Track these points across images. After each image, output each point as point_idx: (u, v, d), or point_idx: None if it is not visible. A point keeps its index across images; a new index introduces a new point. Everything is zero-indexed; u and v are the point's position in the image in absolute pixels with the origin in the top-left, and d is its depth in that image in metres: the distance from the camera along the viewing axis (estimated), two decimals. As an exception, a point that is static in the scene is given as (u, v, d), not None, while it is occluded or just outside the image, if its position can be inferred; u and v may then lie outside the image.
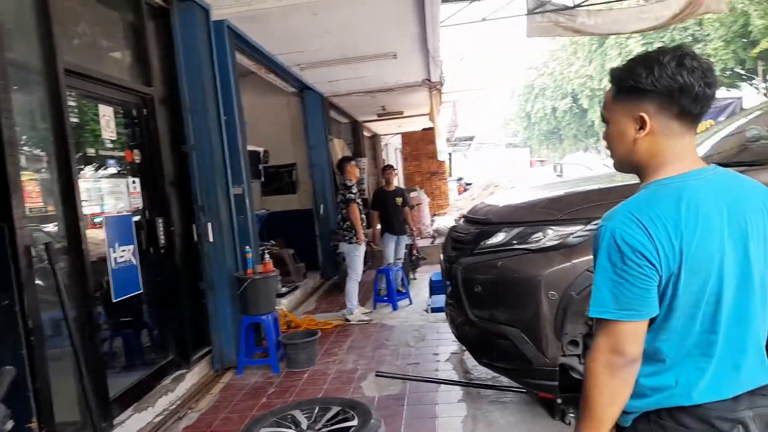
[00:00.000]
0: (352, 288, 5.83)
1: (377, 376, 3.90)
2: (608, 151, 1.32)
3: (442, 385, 3.83)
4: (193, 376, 4.25)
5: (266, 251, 4.92)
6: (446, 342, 4.85)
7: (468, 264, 2.91)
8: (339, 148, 9.49)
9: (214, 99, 4.74)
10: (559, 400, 3.15)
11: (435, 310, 5.91)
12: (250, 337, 4.65)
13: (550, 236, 2.65)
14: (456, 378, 4.01)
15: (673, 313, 1.15)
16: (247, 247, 4.75)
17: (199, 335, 4.54)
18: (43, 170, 3.21)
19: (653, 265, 1.12)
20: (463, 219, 3.48)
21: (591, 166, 21.14)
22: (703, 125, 9.13)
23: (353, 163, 6.11)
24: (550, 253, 2.61)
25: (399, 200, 6.77)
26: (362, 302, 6.15)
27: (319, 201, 8.40)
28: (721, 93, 28.16)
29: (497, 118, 59.53)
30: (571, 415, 3.12)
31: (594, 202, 2.72)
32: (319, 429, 2.98)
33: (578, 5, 9.62)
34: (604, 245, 1.15)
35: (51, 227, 3.24)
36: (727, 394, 1.16)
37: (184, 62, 4.56)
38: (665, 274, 1.13)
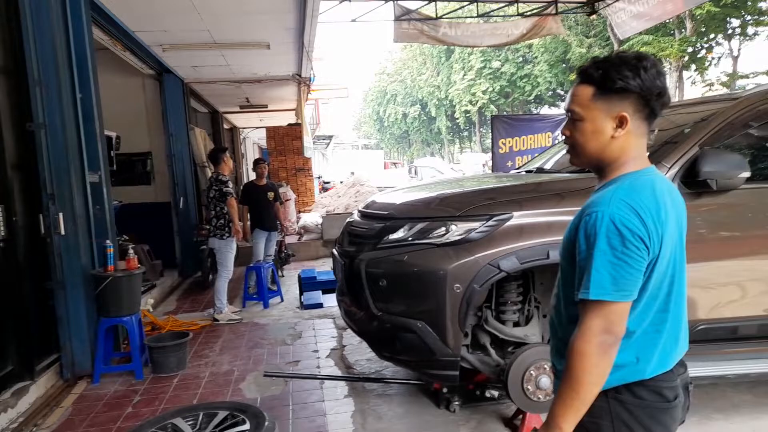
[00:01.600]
0: (222, 286, 5.50)
1: (265, 376, 3.73)
2: (570, 147, 1.39)
3: (327, 382, 3.79)
4: (38, 388, 3.69)
5: (130, 246, 4.42)
6: (324, 338, 4.81)
7: (372, 258, 2.91)
8: (201, 138, 8.93)
9: (68, 73, 4.16)
10: (444, 390, 3.30)
11: (308, 306, 5.83)
12: (108, 342, 4.16)
13: (453, 231, 2.75)
14: (339, 374, 3.99)
15: (643, 294, 1.26)
16: (107, 242, 4.24)
17: (45, 341, 3.95)
18: None
19: (647, 248, 1.22)
20: (359, 214, 3.47)
21: (441, 170, 22.62)
22: (542, 137, 10.19)
23: (228, 155, 5.77)
24: (455, 247, 2.71)
25: (271, 195, 6.55)
26: (230, 300, 5.85)
27: (179, 194, 7.80)
28: (548, 110, 31.99)
29: (351, 120, 60.77)
30: (456, 403, 3.28)
31: (491, 200, 2.89)
32: (208, 436, 2.76)
33: (440, 17, 10.21)
34: (603, 230, 1.21)
35: None
36: (670, 366, 1.32)
37: (32, 27, 3.92)
38: (650, 258, 1.23)
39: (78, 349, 4.04)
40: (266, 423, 2.77)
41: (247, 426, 2.78)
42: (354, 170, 21.29)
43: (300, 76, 9.19)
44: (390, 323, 2.82)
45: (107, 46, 6.18)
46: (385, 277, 2.80)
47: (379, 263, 2.87)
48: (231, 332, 5.18)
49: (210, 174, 6.34)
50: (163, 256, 7.37)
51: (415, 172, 21.76)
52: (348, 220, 3.52)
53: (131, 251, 4.32)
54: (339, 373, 4.03)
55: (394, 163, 33.70)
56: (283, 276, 7.54)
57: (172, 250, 7.79)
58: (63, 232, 4.01)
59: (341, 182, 14.16)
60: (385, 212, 3.14)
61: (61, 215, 4.01)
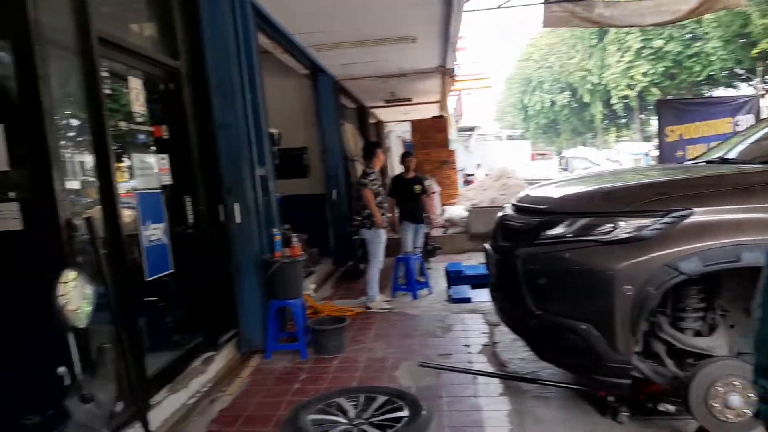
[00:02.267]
0: (374, 275, 5.72)
1: (420, 366, 3.81)
2: None
3: (480, 378, 3.75)
4: (221, 359, 4.15)
5: (293, 235, 4.79)
6: (474, 333, 4.77)
7: (529, 255, 2.80)
8: (350, 133, 9.34)
9: (238, 76, 4.58)
10: (611, 398, 3.07)
11: (456, 300, 5.83)
12: (276, 322, 4.54)
13: (622, 228, 2.55)
14: (492, 371, 3.93)
15: None
16: (275, 230, 4.63)
17: (225, 318, 4.42)
18: (78, 142, 3.06)
19: None
20: (513, 208, 3.37)
21: (596, 161, 21.16)
22: (720, 123, 9.07)
23: (381, 150, 5.97)
24: (624, 245, 2.51)
25: (418, 188, 6.64)
26: (381, 290, 6.04)
27: (332, 186, 8.26)
28: (725, 92, 28.30)
29: (493, 110, 59.48)
30: (624, 413, 3.04)
31: (663, 194, 2.63)
32: (369, 418, 2.88)
33: (595, -4, 9.49)
34: None
35: (86, 202, 3.10)
36: None
37: (210, 36, 4.39)
38: None
39: (252, 327, 4.47)
40: (423, 412, 2.82)
41: (404, 413, 2.85)
42: (481, 162, 20.72)
43: (445, 67, 9.18)
44: (551, 323, 2.70)
45: (270, 50, 6.70)
46: (544, 274, 2.68)
47: (537, 260, 2.75)
48: (383, 320, 5.36)
49: (361, 168, 6.61)
50: (318, 245, 7.86)
51: (566, 164, 20.61)
52: (500, 213, 3.43)
53: (295, 239, 4.66)
54: (491, 369, 3.97)
55: (542, 155, 32.29)
56: (430, 268, 7.62)
57: (326, 239, 8.26)
58: (239, 221, 4.46)
59: (486, 175, 13.89)
60: (543, 206, 3.00)
61: (236, 206, 4.46)
